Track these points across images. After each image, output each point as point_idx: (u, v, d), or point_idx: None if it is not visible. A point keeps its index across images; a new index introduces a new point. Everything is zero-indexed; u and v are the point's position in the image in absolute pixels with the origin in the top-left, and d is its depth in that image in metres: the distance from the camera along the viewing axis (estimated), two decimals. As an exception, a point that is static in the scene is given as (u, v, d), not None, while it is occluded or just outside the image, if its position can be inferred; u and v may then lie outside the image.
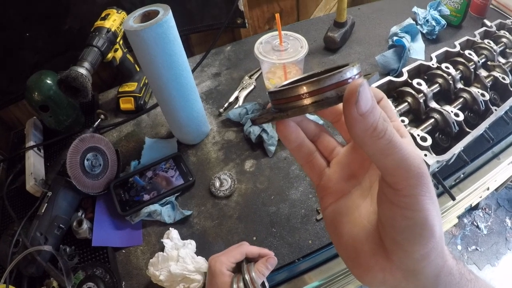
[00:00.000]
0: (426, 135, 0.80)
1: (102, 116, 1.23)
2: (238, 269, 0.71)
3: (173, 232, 0.89)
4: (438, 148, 0.88)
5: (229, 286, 0.65)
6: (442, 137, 0.90)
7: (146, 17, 0.88)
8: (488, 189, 1.40)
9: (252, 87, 1.28)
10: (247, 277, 0.66)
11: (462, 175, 1.04)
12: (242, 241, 0.79)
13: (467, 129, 0.88)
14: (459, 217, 1.82)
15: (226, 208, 0.96)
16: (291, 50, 1.03)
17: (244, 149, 1.10)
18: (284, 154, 1.07)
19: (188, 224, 0.94)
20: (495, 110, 0.92)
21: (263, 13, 1.66)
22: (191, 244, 0.87)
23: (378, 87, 0.93)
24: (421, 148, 0.79)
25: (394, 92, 0.97)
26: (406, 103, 0.93)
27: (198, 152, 1.12)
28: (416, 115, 0.94)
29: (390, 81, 0.97)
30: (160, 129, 1.22)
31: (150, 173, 1.05)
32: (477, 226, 2.54)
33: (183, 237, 0.89)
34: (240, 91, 1.27)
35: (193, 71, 1.30)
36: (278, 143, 1.07)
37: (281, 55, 1.03)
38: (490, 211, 2.62)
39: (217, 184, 1.00)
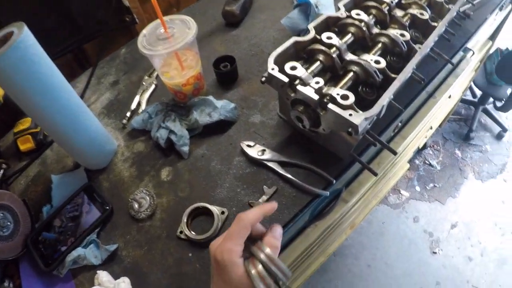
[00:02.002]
0: (347, 92, 0.68)
1: (4, 166, 1.06)
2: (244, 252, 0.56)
3: (102, 275, 0.77)
4: (365, 103, 0.77)
5: (247, 277, 0.51)
6: (367, 90, 0.78)
7: (3, 42, 0.72)
8: (431, 128, 1.33)
9: (153, 87, 1.12)
10: (262, 256, 0.52)
11: (400, 124, 0.96)
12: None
13: (392, 75, 0.75)
14: (410, 161, 1.79)
15: (152, 230, 0.83)
16: (178, 35, 0.88)
17: (156, 158, 0.94)
18: (200, 152, 0.91)
19: (117, 259, 0.81)
20: (419, 48, 0.81)
21: (158, 3, 1.49)
22: (124, 282, 0.76)
23: (284, 51, 0.81)
24: (344, 107, 0.66)
25: (304, 53, 0.85)
26: (318, 62, 0.80)
27: (110, 175, 0.95)
28: (333, 73, 0.82)
29: (296, 42, 0.84)
30: (66, 161, 1.04)
31: (58, 221, 0.89)
32: (430, 164, 2.52)
33: (116, 276, 0.77)
34: (141, 95, 1.12)
35: (86, 86, 1.14)
36: (192, 141, 0.93)
37: (168, 43, 0.88)
38: (438, 147, 2.60)
39: (136, 206, 0.85)
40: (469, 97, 2.70)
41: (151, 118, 0.97)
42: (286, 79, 0.72)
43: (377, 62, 0.76)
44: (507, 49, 2.24)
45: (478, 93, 2.56)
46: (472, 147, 2.55)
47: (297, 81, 0.72)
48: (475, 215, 2.23)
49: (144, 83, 1.13)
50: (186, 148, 0.90)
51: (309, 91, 0.70)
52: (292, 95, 0.73)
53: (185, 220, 0.80)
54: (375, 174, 0.80)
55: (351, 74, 0.77)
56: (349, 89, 0.74)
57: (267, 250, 0.53)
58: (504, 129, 2.52)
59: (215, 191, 0.84)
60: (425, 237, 2.20)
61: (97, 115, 1.09)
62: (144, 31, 0.92)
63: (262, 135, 0.90)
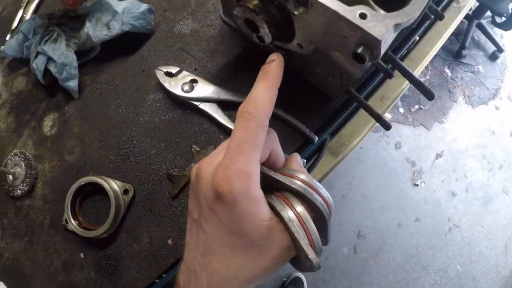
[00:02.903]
0: None
1: None
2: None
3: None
4: None
5: (277, 222, 0.28)
6: None
7: None
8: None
9: (42, -9, 0.72)
10: (299, 183, 0.30)
11: (417, 38, 0.59)
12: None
13: None
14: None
15: (32, 213, 0.56)
16: None
17: (39, 100, 0.60)
18: (97, 87, 0.55)
19: None
20: None
21: None
22: (-2, 291, 0.53)
23: None
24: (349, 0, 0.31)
25: None
26: None
27: None
28: None
29: None
30: None
31: None
32: None
33: (-4, 276, 0.55)
34: (25, 7, 0.70)
35: None
36: (85, 69, 0.57)
37: None
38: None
39: (10, 178, 0.56)
40: (461, 8, 2.29)
41: (27, 39, 0.58)
42: None
43: None
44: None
45: (473, 4, 2.15)
46: (463, 66, 2.18)
47: None
48: (462, 145, 1.96)
49: (32, -11, 0.72)
50: (73, 84, 0.54)
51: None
52: (236, -25, 0.35)
53: (69, 205, 0.46)
54: (388, 127, 0.45)
55: None
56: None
57: (303, 175, 0.31)
58: (500, 49, 2.14)
59: (117, 154, 0.51)
60: (407, 167, 1.92)
61: (-22, 43, 0.76)
62: None
63: (193, 54, 0.53)
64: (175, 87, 0.48)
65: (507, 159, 1.93)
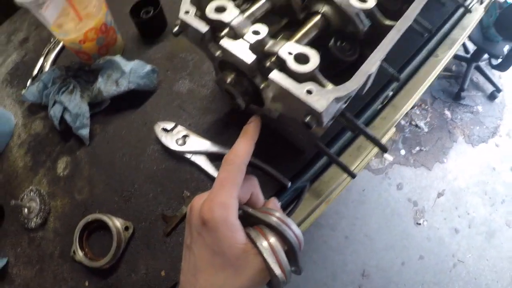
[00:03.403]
0: (307, 50, 0.38)
1: None
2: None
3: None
4: (340, 66, 0.49)
5: (252, 248, 0.35)
6: (344, 46, 0.48)
7: None
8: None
9: (61, 44, 0.83)
10: (274, 219, 0.36)
11: (390, 93, 0.68)
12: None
13: (387, 22, 0.46)
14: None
15: (44, 244, 0.63)
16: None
17: (54, 143, 0.69)
18: (106, 136, 0.65)
19: (8, 279, 0.63)
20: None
21: None
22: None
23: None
24: (300, 77, 0.38)
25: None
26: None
27: (4, 164, 0.73)
28: (290, 17, 0.54)
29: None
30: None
31: None
32: (416, 125, 2.23)
33: (5, 302, 0.60)
34: (45, 56, 0.82)
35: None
36: (97, 118, 0.67)
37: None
38: (426, 106, 2.29)
39: (25, 211, 0.64)
40: (461, 52, 2.37)
41: (46, 88, 0.69)
42: (205, 28, 0.44)
43: (362, -1, 0.46)
44: (505, 1, 1.93)
45: (471, 48, 2.26)
46: (463, 108, 2.27)
47: (224, 31, 0.43)
48: (463, 183, 2.00)
49: (52, 39, 0.84)
50: (85, 131, 0.64)
51: (239, 48, 0.41)
52: (218, 54, 0.45)
53: (77, 238, 0.55)
54: (353, 176, 0.54)
55: (317, 18, 0.47)
56: (312, 43, 0.45)
57: (278, 213, 0.37)
58: (498, 89, 2.23)
59: (120, 196, 0.60)
60: (409, 207, 1.97)
61: (0, 82, 0.86)
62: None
63: (188, 111, 0.62)
64: (171, 141, 0.57)
65: (509, 193, 1.95)
